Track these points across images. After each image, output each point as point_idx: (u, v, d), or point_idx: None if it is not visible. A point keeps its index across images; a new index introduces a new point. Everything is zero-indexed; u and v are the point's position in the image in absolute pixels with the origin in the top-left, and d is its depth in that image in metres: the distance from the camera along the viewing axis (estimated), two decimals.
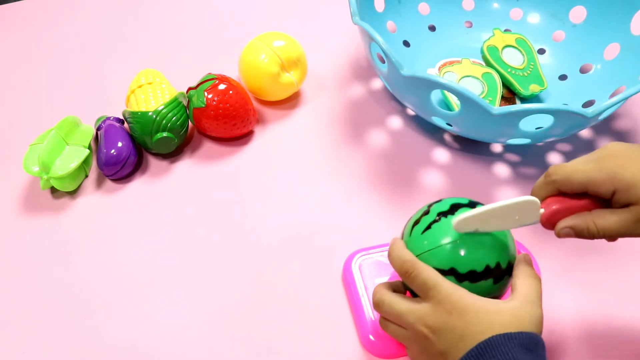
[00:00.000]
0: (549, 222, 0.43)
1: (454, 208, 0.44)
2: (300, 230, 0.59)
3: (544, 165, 0.65)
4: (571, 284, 0.55)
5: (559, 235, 0.42)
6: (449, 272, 0.42)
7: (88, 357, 0.52)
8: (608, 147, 0.43)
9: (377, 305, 0.44)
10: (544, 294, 0.42)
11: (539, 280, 0.42)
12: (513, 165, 0.65)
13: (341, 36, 0.78)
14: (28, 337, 0.53)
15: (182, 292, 0.56)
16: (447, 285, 0.40)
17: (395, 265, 0.43)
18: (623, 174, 0.40)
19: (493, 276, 0.42)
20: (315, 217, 0.60)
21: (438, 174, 0.64)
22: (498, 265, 0.43)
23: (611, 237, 0.41)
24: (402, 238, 0.46)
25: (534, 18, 0.76)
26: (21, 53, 0.78)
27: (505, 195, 0.62)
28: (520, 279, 0.41)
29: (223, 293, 0.55)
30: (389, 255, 0.44)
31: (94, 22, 0.81)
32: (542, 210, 0.43)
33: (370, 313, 0.52)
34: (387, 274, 0.54)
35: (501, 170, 0.64)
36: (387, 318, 0.44)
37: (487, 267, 0.42)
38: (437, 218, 0.44)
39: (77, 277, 0.57)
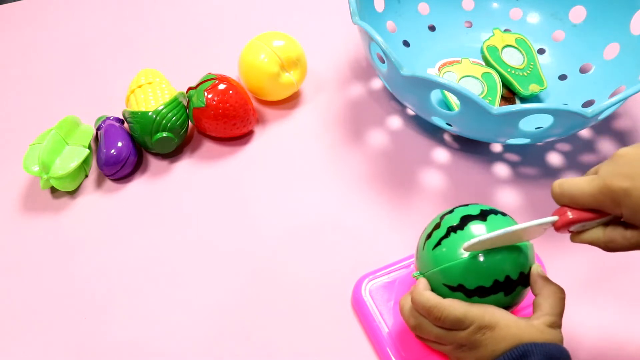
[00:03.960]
0: (562, 229, 0.42)
1: (465, 221, 0.44)
2: (300, 230, 0.59)
3: (544, 165, 0.65)
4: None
5: (576, 242, 0.42)
6: (458, 289, 0.43)
7: (88, 356, 0.52)
8: (617, 156, 0.40)
9: (414, 329, 0.45)
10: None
11: (563, 293, 0.42)
12: (513, 165, 0.65)
13: (341, 36, 0.78)
14: (28, 336, 0.53)
15: (181, 291, 0.56)
16: (476, 312, 0.41)
17: (421, 313, 0.44)
18: (628, 202, 0.38)
19: (503, 289, 0.43)
20: (315, 216, 0.61)
21: (438, 173, 0.64)
22: (508, 278, 0.42)
23: (626, 251, 0.40)
24: (417, 250, 0.47)
25: (533, 18, 0.76)
26: (21, 53, 0.78)
27: (504, 195, 0.62)
28: (544, 298, 0.42)
29: (223, 293, 0.55)
30: (412, 302, 0.44)
31: (94, 22, 0.81)
32: (556, 218, 0.41)
33: (388, 336, 0.51)
34: (398, 295, 0.53)
35: (501, 170, 0.64)
36: (426, 339, 0.45)
37: (496, 281, 0.42)
38: (447, 234, 0.44)
39: (77, 276, 0.57)
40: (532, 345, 0.39)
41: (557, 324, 0.42)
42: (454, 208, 0.46)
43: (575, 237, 0.42)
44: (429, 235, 0.45)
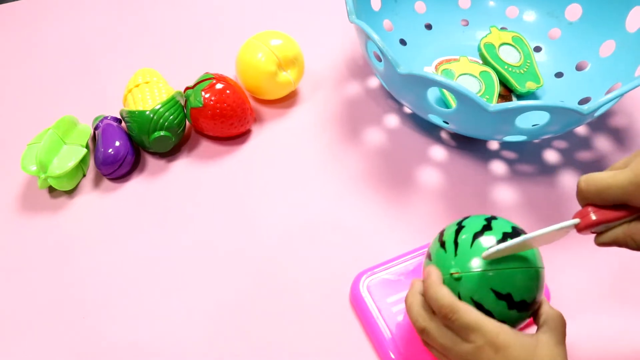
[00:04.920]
0: (584, 231, 0.40)
1: (486, 229, 0.43)
2: (298, 228, 0.60)
3: (541, 163, 0.65)
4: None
5: (598, 245, 0.40)
6: (504, 298, 0.41)
7: (87, 356, 0.52)
8: None
9: (421, 333, 0.42)
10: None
11: (564, 319, 0.42)
12: (510, 162, 0.65)
13: (338, 35, 0.78)
14: (26, 336, 0.53)
15: (180, 291, 0.56)
16: (491, 327, 0.39)
17: (431, 304, 0.41)
18: None
19: (531, 310, 0.42)
20: (313, 214, 0.61)
21: (435, 171, 0.64)
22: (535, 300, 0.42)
23: None
24: (454, 245, 0.43)
25: (530, 16, 0.76)
26: (18, 52, 0.78)
27: (501, 193, 0.62)
28: (543, 313, 0.42)
29: (221, 292, 0.55)
30: (425, 293, 0.42)
31: (92, 21, 0.81)
32: (578, 220, 0.40)
33: (387, 332, 0.51)
34: (396, 291, 0.53)
35: (498, 167, 0.65)
36: (430, 344, 0.43)
37: (534, 299, 0.42)
38: (503, 238, 0.42)
39: (75, 276, 0.57)
40: None
41: (563, 342, 0.40)
42: (471, 217, 0.45)
43: (598, 237, 0.40)
44: (479, 234, 0.43)
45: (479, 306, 0.41)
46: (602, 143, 0.67)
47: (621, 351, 0.52)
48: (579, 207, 0.41)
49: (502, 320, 0.40)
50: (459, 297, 0.41)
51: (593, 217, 0.39)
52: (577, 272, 0.56)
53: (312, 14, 0.82)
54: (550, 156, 0.66)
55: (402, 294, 0.53)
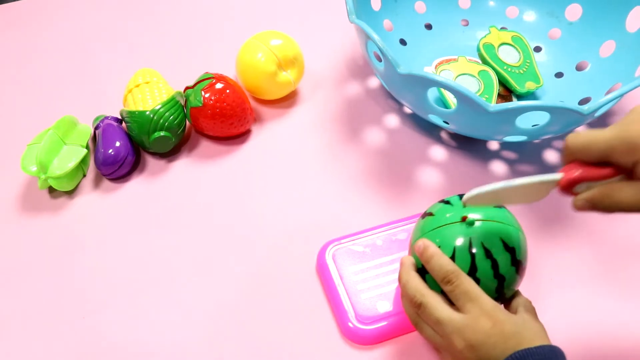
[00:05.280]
0: (567, 189, 0.40)
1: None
2: (298, 228, 0.60)
3: (541, 163, 0.65)
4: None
5: (576, 208, 0.40)
6: (510, 250, 0.43)
7: (87, 356, 0.52)
8: (635, 110, 0.39)
9: (419, 306, 0.43)
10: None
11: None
12: (510, 162, 0.65)
13: (338, 35, 0.78)
14: (27, 336, 0.53)
15: (179, 290, 0.56)
16: (488, 300, 0.41)
17: (435, 272, 0.43)
18: None
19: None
20: (313, 215, 0.61)
21: (435, 171, 0.64)
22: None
23: (627, 212, 0.38)
24: (429, 210, 0.46)
25: (529, 16, 0.76)
26: (18, 53, 0.78)
27: None
28: (518, 298, 0.45)
29: (221, 291, 0.55)
30: (427, 263, 0.43)
31: (92, 22, 0.81)
32: (561, 175, 0.40)
33: (347, 302, 0.52)
34: (360, 262, 0.55)
35: (498, 167, 0.65)
36: (424, 320, 0.44)
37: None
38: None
39: (76, 276, 0.57)
40: (525, 353, 0.39)
41: (538, 320, 0.43)
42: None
43: (579, 196, 0.40)
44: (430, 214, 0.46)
45: (488, 253, 0.42)
46: None
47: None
48: None
49: (503, 274, 0.42)
50: (470, 243, 0.43)
51: (577, 172, 0.39)
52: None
53: (312, 14, 0.82)
54: (551, 156, 0.66)
55: (366, 264, 0.54)
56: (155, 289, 0.56)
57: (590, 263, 0.57)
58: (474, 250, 0.43)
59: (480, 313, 0.40)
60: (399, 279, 0.45)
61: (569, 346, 0.51)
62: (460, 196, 0.46)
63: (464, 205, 0.44)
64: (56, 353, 0.52)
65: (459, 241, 0.43)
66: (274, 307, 0.54)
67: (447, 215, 0.45)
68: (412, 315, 0.45)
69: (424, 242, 0.44)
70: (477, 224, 0.43)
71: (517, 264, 0.43)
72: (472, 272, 0.42)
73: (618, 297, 0.54)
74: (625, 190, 0.38)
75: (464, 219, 0.44)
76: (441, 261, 0.42)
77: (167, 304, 0.55)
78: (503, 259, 0.43)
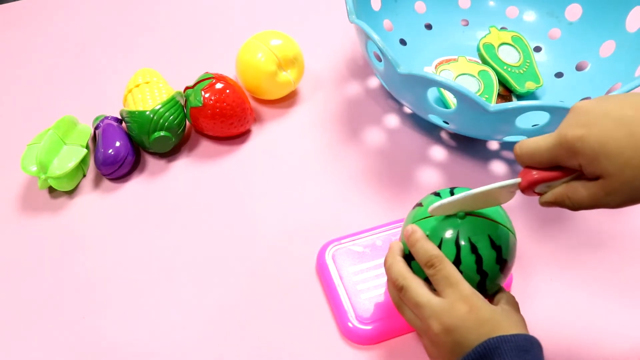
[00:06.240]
0: (528, 191, 0.41)
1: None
2: (297, 229, 0.60)
3: None
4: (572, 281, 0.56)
5: (542, 206, 0.41)
6: (497, 248, 0.43)
7: (87, 356, 0.52)
8: (573, 110, 0.39)
9: (400, 289, 0.44)
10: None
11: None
12: (510, 162, 0.65)
13: (338, 35, 0.78)
14: (27, 336, 0.53)
15: (179, 290, 0.56)
16: (468, 287, 0.41)
17: (419, 256, 0.43)
18: (583, 149, 0.37)
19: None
20: (313, 215, 0.61)
21: (435, 171, 0.64)
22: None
23: (589, 209, 0.39)
24: (420, 201, 0.47)
25: (529, 16, 0.76)
26: (18, 53, 0.78)
27: None
28: (501, 293, 0.45)
29: (221, 291, 0.55)
30: (413, 246, 0.44)
31: (92, 22, 0.82)
32: (519, 180, 0.41)
33: (347, 302, 0.52)
34: (360, 262, 0.55)
35: (498, 167, 0.65)
36: (405, 303, 0.44)
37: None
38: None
39: (75, 276, 0.57)
40: (499, 340, 0.39)
41: (520, 313, 0.43)
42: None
43: (542, 198, 0.41)
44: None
45: (474, 248, 0.43)
46: None
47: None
48: None
49: (487, 270, 0.43)
50: (457, 236, 0.43)
51: (534, 174, 0.40)
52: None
53: (312, 13, 0.82)
54: None
55: (366, 264, 0.54)
56: (156, 288, 0.56)
57: (590, 263, 0.57)
58: (461, 243, 0.43)
59: (458, 298, 0.41)
60: (385, 262, 0.46)
61: (569, 346, 0.51)
62: (452, 189, 0.46)
63: (430, 216, 0.44)
64: (56, 353, 0.52)
65: (447, 233, 0.44)
66: (274, 307, 0.54)
67: None
68: (395, 298, 0.45)
69: (412, 227, 0.45)
70: (467, 217, 0.44)
71: (502, 263, 0.44)
72: (457, 264, 0.43)
73: (618, 297, 0.54)
74: (580, 191, 0.38)
75: None
76: (426, 246, 0.43)
77: (167, 303, 0.55)
78: (488, 255, 0.43)
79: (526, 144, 0.40)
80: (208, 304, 0.55)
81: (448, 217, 0.44)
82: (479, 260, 0.43)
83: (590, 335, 0.52)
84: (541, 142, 0.39)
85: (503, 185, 0.41)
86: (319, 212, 0.61)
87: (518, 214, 0.60)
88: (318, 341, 0.52)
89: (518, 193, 0.42)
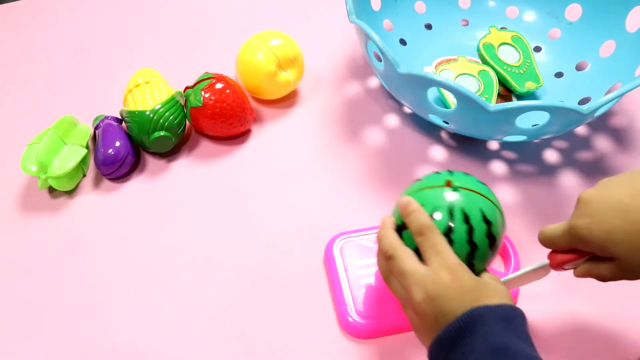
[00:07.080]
0: (558, 269, 0.46)
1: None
2: (298, 228, 0.60)
3: (541, 162, 0.65)
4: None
5: (578, 277, 0.45)
6: (487, 222, 0.44)
7: (87, 356, 0.52)
8: (579, 199, 0.43)
9: (389, 257, 0.44)
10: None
11: None
12: (510, 162, 0.65)
13: (338, 35, 0.78)
14: (26, 336, 0.53)
15: (179, 290, 0.56)
16: (454, 257, 0.42)
17: (412, 225, 0.44)
18: (591, 237, 0.41)
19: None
20: (313, 214, 0.61)
21: (435, 171, 0.64)
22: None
23: (614, 280, 0.43)
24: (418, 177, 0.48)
25: (529, 16, 0.76)
26: (18, 52, 0.78)
27: (501, 193, 0.62)
28: (486, 273, 0.46)
29: (221, 291, 0.55)
30: (407, 217, 0.44)
31: (92, 22, 0.82)
32: (548, 261, 0.46)
33: (349, 295, 0.53)
34: (366, 257, 0.55)
35: (498, 167, 0.65)
36: (393, 272, 0.45)
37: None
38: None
39: (76, 276, 0.57)
40: (484, 309, 0.39)
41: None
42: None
43: (574, 272, 0.45)
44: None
45: (466, 218, 0.43)
46: (602, 143, 0.67)
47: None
48: None
49: (477, 242, 0.43)
50: (451, 205, 0.44)
51: (557, 258, 0.45)
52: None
53: (312, 13, 0.82)
54: (550, 156, 0.66)
55: (372, 260, 0.55)
56: (156, 288, 0.56)
57: None
58: (453, 212, 0.44)
59: (442, 266, 0.41)
60: (377, 235, 0.46)
61: (568, 346, 0.51)
62: (450, 171, 0.47)
63: (429, 187, 0.46)
64: (56, 353, 0.52)
65: (441, 202, 0.44)
66: (274, 307, 0.54)
67: (434, 180, 0.47)
68: (384, 268, 0.46)
69: (407, 198, 0.45)
70: (461, 190, 0.45)
71: (492, 238, 0.44)
72: (449, 232, 0.43)
73: (618, 296, 0.54)
74: (602, 269, 0.42)
75: (448, 183, 0.45)
76: (420, 216, 0.44)
77: (168, 303, 0.55)
78: (479, 227, 0.44)
79: (545, 233, 0.45)
80: (208, 303, 0.55)
81: (443, 189, 0.45)
82: (470, 230, 0.43)
83: (590, 335, 0.52)
84: (557, 231, 0.44)
85: (535, 268, 0.47)
86: (319, 212, 0.61)
87: (518, 213, 0.60)
88: (317, 334, 0.52)
89: None
